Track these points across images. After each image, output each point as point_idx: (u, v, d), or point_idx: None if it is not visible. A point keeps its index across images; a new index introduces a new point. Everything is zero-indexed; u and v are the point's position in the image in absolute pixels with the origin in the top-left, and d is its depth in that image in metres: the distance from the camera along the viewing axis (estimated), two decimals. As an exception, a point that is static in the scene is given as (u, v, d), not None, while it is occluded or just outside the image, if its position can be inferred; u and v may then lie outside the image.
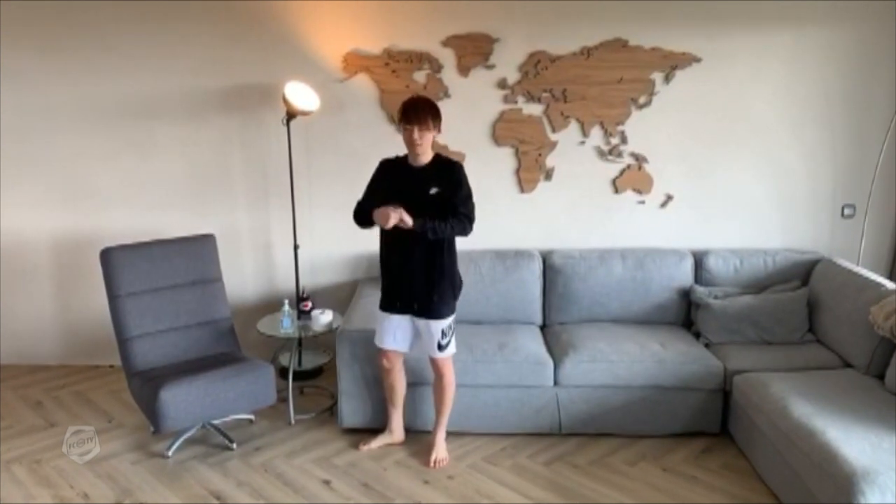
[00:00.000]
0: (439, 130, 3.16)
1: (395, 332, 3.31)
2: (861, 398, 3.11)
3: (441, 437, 3.46)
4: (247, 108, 4.25)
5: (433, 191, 3.11)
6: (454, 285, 3.27)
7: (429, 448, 3.45)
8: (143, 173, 4.37)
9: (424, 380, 3.50)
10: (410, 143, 3.13)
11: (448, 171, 3.16)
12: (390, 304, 3.29)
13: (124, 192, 4.39)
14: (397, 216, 2.99)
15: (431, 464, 3.38)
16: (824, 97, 4.15)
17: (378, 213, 3.06)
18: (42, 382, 4.38)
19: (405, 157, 3.24)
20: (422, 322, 3.25)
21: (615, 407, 3.61)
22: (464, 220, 3.12)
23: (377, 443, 3.55)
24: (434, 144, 3.22)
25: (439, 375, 3.34)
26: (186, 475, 3.35)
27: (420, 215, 3.04)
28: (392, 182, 3.21)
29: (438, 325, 3.22)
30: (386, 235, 3.22)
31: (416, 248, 3.15)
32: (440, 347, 3.24)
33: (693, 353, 3.65)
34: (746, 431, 3.42)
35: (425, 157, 3.17)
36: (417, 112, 3.08)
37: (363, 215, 3.21)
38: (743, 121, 4.19)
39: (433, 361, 3.32)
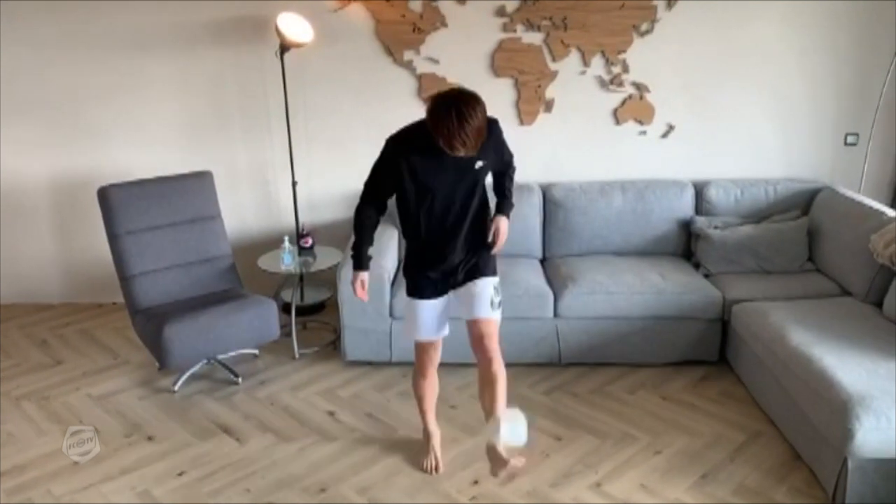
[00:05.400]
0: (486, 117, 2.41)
1: (439, 318, 2.79)
2: (859, 325, 3.14)
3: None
4: (240, 41, 4.15)
5: (479, 164, 2.57)
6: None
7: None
8: (138, 110, 4.29)
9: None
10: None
11: (487, 136, 2.47)
12: (429, 288, 2.75)
13: (119, 130, 4.32)
14: (500, 237, 2.72)
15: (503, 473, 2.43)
16: (832, 22, 4.05)
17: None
18: (47, 321, 4.42)
19: (422, 129, 2.43)
20: (469, 286, 2.72)
21: (615, 337, 3.65)
22: (513, 173, 2.87)
23: (435, 451, 3.02)
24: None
25: (488, 356, 2.60)
26: (194, 409, 3.42)
27: (466, 194, 2.62)
28: (427, 165, 2.53)
29: (491, 282, 2.73)
30: (418, 217, 2.65)
31: (461, 221, 2.67)
32: (493, 305, 2.70)
33: (692, 283, 3.67)
34: (744, 359, 3.47)
35: None
36: (470, 140, 2.34)
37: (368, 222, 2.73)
38: (747, 47, 4.09)
39: (483, 331, 2.65)
